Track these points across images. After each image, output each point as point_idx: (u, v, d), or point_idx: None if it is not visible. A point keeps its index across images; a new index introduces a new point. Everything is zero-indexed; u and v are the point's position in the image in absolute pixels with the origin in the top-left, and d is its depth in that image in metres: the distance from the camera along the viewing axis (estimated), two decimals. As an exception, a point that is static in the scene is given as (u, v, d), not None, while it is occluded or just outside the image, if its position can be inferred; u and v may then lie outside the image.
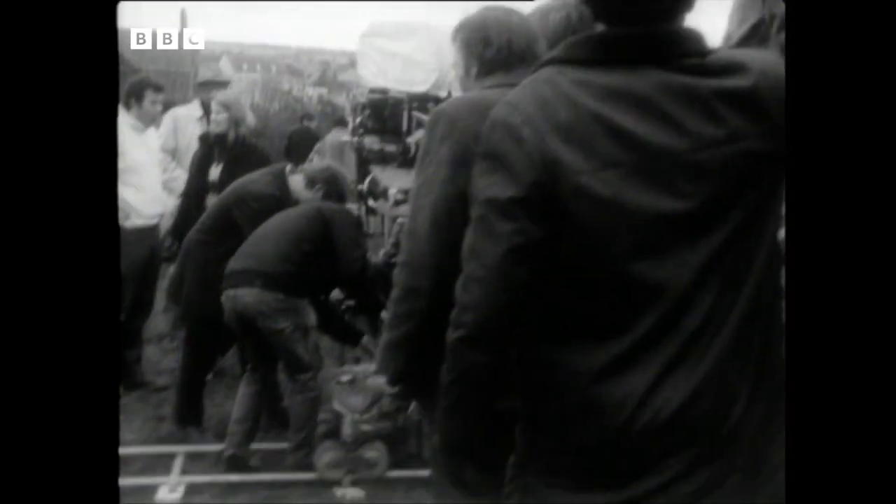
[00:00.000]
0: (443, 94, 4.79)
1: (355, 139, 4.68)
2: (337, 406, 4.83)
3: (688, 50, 1.97)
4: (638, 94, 1.91)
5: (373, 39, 5.04)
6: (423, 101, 4.65)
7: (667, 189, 1.98)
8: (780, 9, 2.20)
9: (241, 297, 5.02)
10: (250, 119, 6.64)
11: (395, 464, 4.70)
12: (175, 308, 5.74)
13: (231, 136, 6.24)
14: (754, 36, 2.22)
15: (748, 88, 2.00)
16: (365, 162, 4.84)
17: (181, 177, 6.93)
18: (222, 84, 7.56)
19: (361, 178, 5.07)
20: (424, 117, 4.08)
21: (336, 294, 5.42)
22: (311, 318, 4.99)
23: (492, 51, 2.60)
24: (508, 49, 2.60)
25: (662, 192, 1.99)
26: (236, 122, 6.28)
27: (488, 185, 1.96)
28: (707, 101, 2.00)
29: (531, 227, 1.94)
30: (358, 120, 4.71)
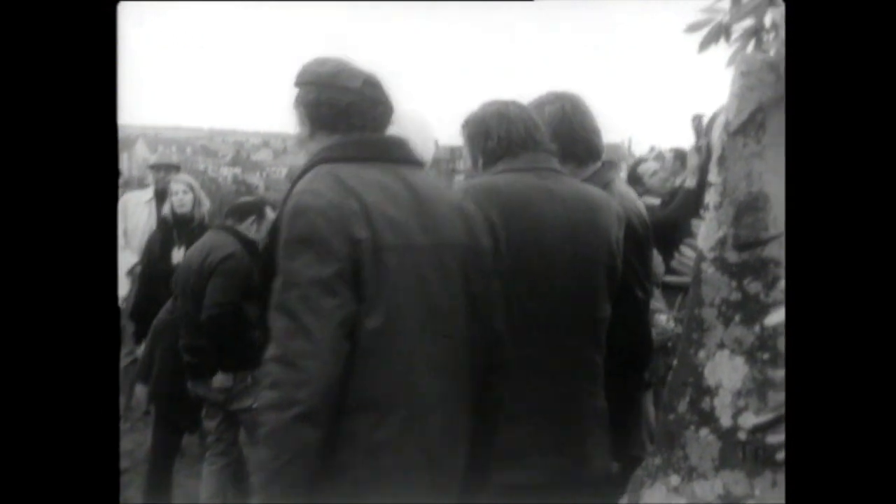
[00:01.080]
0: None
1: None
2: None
3: (409, 156, 2.61)
4: (392, 187, 2.47)
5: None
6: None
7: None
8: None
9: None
10: (206, 201, 6.78)
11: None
12: (144, 388, 5.82)
13: (196, 216, 6.39)
14: (752, 123, 2.43)
15: (458, 203, 2.59)
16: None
17: (130, 259, 7.01)
18: (174, 167, 7.70)
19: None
20: None
21: None
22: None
23: (493, 142, 2.88)
24: (508, 138, 2.87)
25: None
26: (199, 202, 6.44)
27: (305, 266, 2.30)
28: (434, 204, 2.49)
29: (350, 299, 2.31)
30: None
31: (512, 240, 2.71)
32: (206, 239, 5.41)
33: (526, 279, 2.75)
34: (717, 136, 6.27)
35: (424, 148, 5.34)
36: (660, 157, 8.68)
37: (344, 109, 2.58)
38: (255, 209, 5.49)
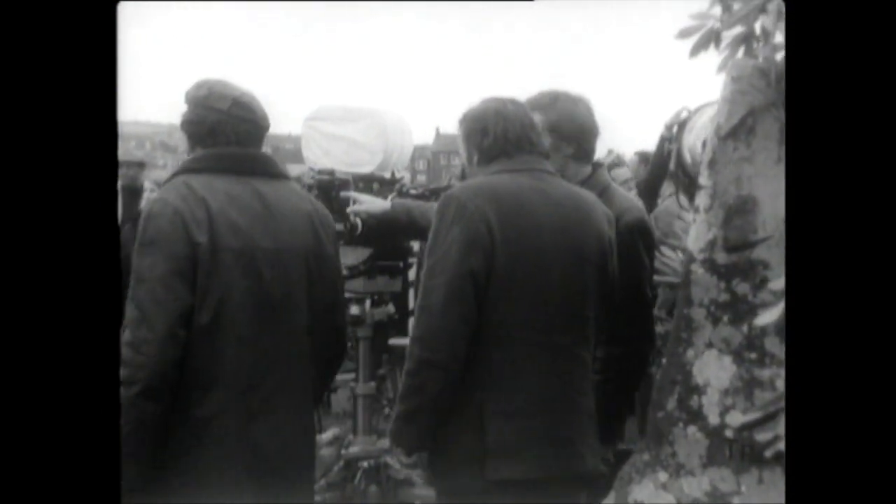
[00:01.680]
0: (387, 175, 5.00)
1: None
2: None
3: (265, 169, 3.02)
4: (241, 195, 2.91)
5: (317, 123, 5.25)
6: (369, 181, 4.86)
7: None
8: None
9: None
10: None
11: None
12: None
13: None
14: (742, 127, 2.47)
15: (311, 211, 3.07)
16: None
17: None
18: (136, 164, 7.65)
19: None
20: (355, 195, 4.32)
21: None
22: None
23: (489, 140, 2.93)
24: (504, 137, 2.92)
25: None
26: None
27: (152, 265, 2.77)
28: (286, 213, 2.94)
29: (187, 294, 2.77)
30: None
31: (508, 240, 2.77)
32: None
33: (519, 278, 2.80)
34: (691, 139, 6.35)
35: (402, 150, 5.40)
36: (620, 161, 8.75)
37: (211, 127, 2.98)
38: None
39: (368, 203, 4.10)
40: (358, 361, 5.28)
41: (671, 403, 2.56)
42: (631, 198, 3.62)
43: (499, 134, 2.95)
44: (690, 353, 2.55)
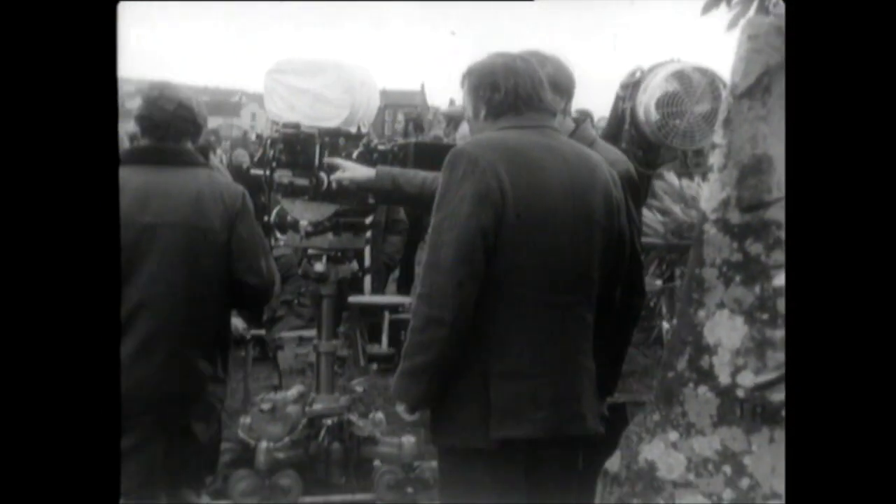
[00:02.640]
0: (353, 129, 4.92)
1: (266, 172, 4.75)
2: (245, 434, 4.92)
3: (182, 158, 3.67)
4: (162, 182, 3.59)
5: (280, 76, 5.14)
6: (335, 136, 4.77)
7: None
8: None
9: None
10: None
11: (306, 490, 4.82)
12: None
13: None
14: (758, 86, 2.45)
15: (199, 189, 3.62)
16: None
17: None
18: None
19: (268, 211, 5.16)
20: (339, 162, 4.23)
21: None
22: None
23: (500, 95, 2.87)
24: (515, 93, 2.86)
25: None
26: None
27: None
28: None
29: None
30: (270, 153, 4.77)
31: (518, 197, 2.73)
32: None
33: (527, 236, 2.76)
34: (645, 98, 6.35)
35: (369, 104, 5.32)
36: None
37: (157, 124, 3.63)
38: None
39: (352, 170, 4.01)
40: (321, 319, 5.22)
41: (682, 364, 2.56)
42: (617, 150, 3.59)
43: (510, 89, 2.90)
44: (702, 313, 2.54)
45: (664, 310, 5.08)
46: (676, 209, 5.37)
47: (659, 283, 4.50)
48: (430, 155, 4.49)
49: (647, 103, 6.75)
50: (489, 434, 2.76)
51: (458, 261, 2.68)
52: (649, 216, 5.16)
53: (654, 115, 6.63)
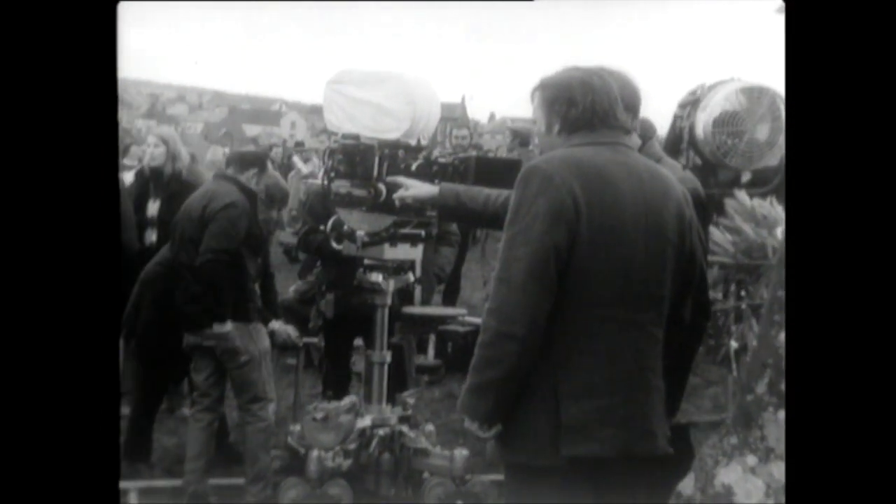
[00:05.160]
0: (413, 142, 4.91)
1: (325, 183, 4.76)
2: (295, 442, 4.91)
3: None
4: None
5: (340, 87, 5.15)
6: (395, 147, 4.76)
7: None
8: None
9: None
10: (185, 154, 6.64)
11: (356, 499, 4.81)
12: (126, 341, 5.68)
13: (168, 170, 6.24)
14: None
15: None
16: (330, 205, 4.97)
17: None
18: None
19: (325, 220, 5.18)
20: (403, 180, 4.15)
21: None
22: (266, 343, 5.05)
23: (577, 111, 2.84)
24: (592, 110, 2.84)
25: None
26: (174, 156, 6.29)
27: None
28: None
29: None
30: (329, 164, 4.78)
31: (592, 214, 2.70)
32: (208, 187, 5.31)
33: (603, 254, 2.73)
34: (704, 117, 6.31)
35: (430, 117, 5.30)
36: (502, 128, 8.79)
37: None
38: (257, 161, 5.39)
39: (416, 188, 3.97)
40: (373, 329, 5.21)
41: (761, 387, 2.51)
42: (680, 170, 3.55)
43: (587, 105, 2.88)
44: (782, 336, 2.50)
45: (732, 329, 5.04)
46: (747, 228, 5.31)
47: (730, 302, 4.46)
48: (491, 169, 4.48)
49: (706, 121, 6.71)
50: (559, 452, 2.73)
51: (531, 277, 2.66)
52: (719, 235, 5.12)
53: (713, 134, 6.59)
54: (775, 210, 4.98)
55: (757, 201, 5.55)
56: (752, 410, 2.51)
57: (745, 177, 6.50)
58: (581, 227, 2.70)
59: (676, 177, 3.16)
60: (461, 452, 5.08)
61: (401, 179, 4.10)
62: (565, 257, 2.69)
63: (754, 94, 6.60)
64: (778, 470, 2.45)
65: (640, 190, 2.82)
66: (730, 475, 2.49)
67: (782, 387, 2.48)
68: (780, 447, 2.47)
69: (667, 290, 2.88)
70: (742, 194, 5.78)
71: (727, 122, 6.53)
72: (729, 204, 5.65)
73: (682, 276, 2.93)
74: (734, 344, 4.92)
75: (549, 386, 2.75)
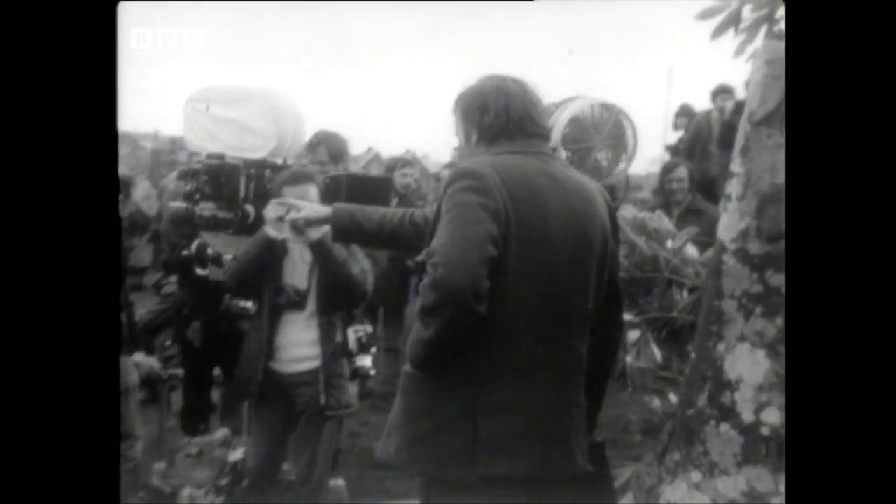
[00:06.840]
0: (280, 161, 4.72)
1: (189, 205, 4.51)
2: (159, 481, 4.67)
3: None
4: None
5: (201, 105, 4.90)
6: (261, 167, 4.55)
7: None
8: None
9: None
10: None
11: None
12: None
13: None
14: (776, 113, 2.38)
15: None
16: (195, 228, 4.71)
17: None
18: None
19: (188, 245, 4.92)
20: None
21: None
22: (134, 377, 4.78)
23: (490, 117, 2.72)
24: (506, 114, 2.71)
25: None
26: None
27: None
28: None
29: None
30: (192, 185, 4.53)
31: (520, 222, 2.57)
32: None
33: (525, 264, 2.60)
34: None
35: (296, 135, 5.10)
36: (413, 160, 8.84)
37: None
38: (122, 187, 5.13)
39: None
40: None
41: (702, 400, 2.46)
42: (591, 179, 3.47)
43: (500, 110, 2.75)
44: (721, 347, 2.46)
45: (627, 344, 5.02)
46: (640, 241, 5.29)
47: (629, 317, 4.44)
48: (362, 188, 4.33)
49: (555, 140, 6.72)
50: (477, 469, 2.59)
51: (472, 247, 2.47)
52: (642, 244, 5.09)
53: (563, 153, 6.59)
54: (664, 223, 5.00)
55: (646, 214, 5.56)
56: (693, 425, 2.45)
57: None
58: (510, 233, 2.56)
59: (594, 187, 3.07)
60: (337, 483, 4.89)
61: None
62: (497, 255, 2.53)
63: (598, 110, 6.65)
64: (723, 485, 2.40)
65: (566, 200, 2.71)
66: (675, 493, 2.42)
67: (723, 399, 2.43)
68: (724, 461, 2.41)
69: (590, 303, 2.79)
70: (628, 206, 5.78)
71: (573, 141, 6.55)
72: (620, 217, 5.63)
73: (601, 289, 2.84)
74: (629, 359, 4.90)
75: (466, 401, 2.61)
